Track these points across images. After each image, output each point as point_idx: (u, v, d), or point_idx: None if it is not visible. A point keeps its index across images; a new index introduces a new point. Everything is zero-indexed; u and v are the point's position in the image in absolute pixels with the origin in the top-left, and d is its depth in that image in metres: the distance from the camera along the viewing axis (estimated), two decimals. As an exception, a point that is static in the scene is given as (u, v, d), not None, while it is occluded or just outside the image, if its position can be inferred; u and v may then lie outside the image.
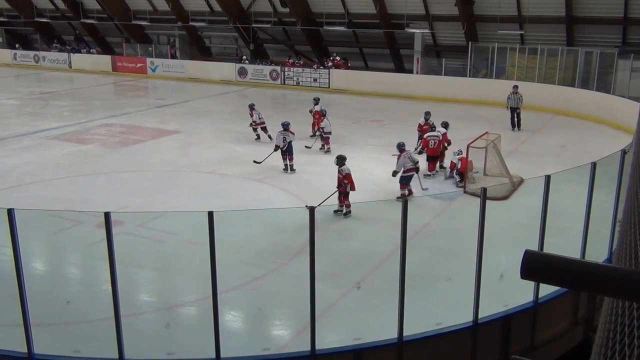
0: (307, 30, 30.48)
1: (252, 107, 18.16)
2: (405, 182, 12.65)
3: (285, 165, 14.91)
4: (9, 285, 6.65)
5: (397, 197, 12.07)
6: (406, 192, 12.59)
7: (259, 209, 11.34)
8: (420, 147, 15.42)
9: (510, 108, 19.95)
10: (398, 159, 12.82)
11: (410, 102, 24.74)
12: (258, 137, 18.06)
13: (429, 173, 14.35)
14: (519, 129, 19.64)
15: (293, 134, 15.16)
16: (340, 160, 11.81)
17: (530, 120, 21.48)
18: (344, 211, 11.55)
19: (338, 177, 11.75)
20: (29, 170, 14.82)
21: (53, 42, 39.48)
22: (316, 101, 18.78)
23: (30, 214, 8.95)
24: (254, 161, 15.18)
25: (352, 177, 11.63)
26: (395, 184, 12.75)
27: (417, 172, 12.84)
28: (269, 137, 17.48)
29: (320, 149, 16.68)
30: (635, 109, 15.91)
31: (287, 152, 14.89)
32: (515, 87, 20.14)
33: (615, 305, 2.17)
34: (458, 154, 13.89)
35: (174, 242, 10.39)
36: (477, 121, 20.31)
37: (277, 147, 14.90)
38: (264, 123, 17.99)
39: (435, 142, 14.39)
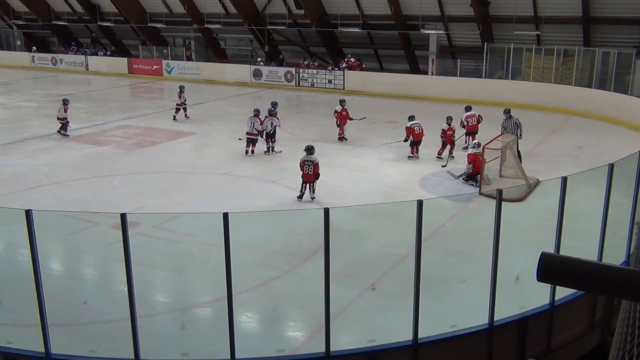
0: (321, 32, 30.50)
1: (181, 89, 21.72)
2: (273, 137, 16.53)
3: (268, 147, 16.59)
4: (26, 285, 6.73)
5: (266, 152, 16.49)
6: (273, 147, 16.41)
7: (273, 210, 11.37)
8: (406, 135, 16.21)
9: None
10: (263, 120, 16.48)
11: (426, 104, 24.66)
12: (174, 118, 21.46)
13: (412, 156, 16.03)
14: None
15: (278, 119, 16.78)
16: (311, 149, 12.95)
17: (546, 121, 21.36)
18: (314, 195, 12.80)
19: (309, 166, 12.69)
20: (47, 171, 14.98)
21: (70, 44, 39.89)
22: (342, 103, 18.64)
23: (47, 215, 9.03)
24: (240, 139, 16.73)
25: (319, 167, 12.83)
26: (406, 186, 12.72)
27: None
28: (174, 118, 21.49)
29: (266, 152, 16.58)
30: (653, 110, 15.76)
31: (271, 135, 16.59)
32: (507, 111, 16.49)
33: (633, 309, 2.14)
34: (476, 146, 13.87)
35: (189, 244, 10.44)
36: (493, 122, 20.16)
37: (262, 132, 16.58)
38: (184, 105, 21.63)
39: (419, 128, 15.98)
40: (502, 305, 7.40)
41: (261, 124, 16.52)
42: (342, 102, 18.60)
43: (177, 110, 21.67)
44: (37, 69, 37.81)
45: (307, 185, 12.73)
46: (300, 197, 12.69)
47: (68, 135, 18.90)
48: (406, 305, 7.11)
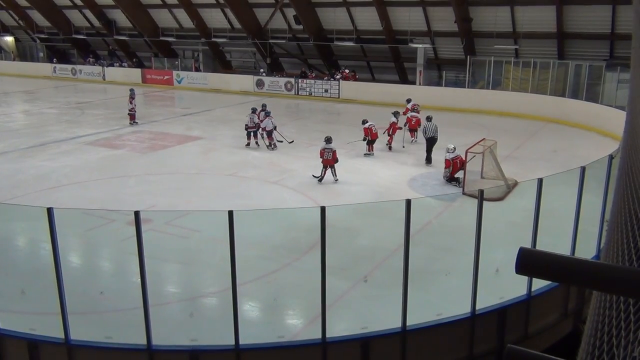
0: (318, 45, 30.52)
1: (132, 95, 21.87)
2: (269, 135, 17.53)
3: (269, 143, 17.51)
4: (48, 277, 6.71)
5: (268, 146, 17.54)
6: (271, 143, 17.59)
7: (275, 209, 11.36)
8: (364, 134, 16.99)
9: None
10: (264, 120, 17.58)
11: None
12: (134, 123, 21.90)
13: (368, 153, 16.73)
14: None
15: (273, 118, 17.77)
16: (329, 140, 14.23)
17: (524, 127, 21.40)
18: (337, 177, 14.05)
19: (329, 153, 13.93)
20: (67, 172, 14.94)
21: (89, 56, 39.81)
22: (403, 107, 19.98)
23: (67, 212, 9.01)
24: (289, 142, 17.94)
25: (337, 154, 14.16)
26: (396, 187, 12.72)
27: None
28: (130, 123, 21.57)
29: (268, 146, 17.63)
30: (621, 118, 15.72)
31: (269, 133, 17.46)
32: (430, 117, 16.72)
33: (603, 299, 2.14)
34: (451, 151, 13.84)
35: (197, 239, 10.42)
36: (475, 128, 20.22)
37: (265, 129, 17.55)
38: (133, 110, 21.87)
39: (375, 129, 16.72)
40: (483, 295, 7.40)
41: (258, 119, 17.77)
42: (395, 114, 18.39)
43: (132, 115, 21.91)
44: (58, 78, 37.73)
45: (326, 169, 13.93)
46: (320, 179, 13.92)
47: (137, 123, 21.39)
48: (395, 296, 7.10)
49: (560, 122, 21.89)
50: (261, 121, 17.76)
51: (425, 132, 16.26)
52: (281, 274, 9.04)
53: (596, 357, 1.73)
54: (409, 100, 20.62)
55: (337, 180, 13.95)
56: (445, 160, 13.96)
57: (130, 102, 21.73)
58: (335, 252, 8.22)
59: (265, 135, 17.70)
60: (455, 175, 13.72)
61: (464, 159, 13.56)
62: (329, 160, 13.95)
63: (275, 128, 17.65)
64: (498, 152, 14.28)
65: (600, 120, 20.19)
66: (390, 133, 17.54)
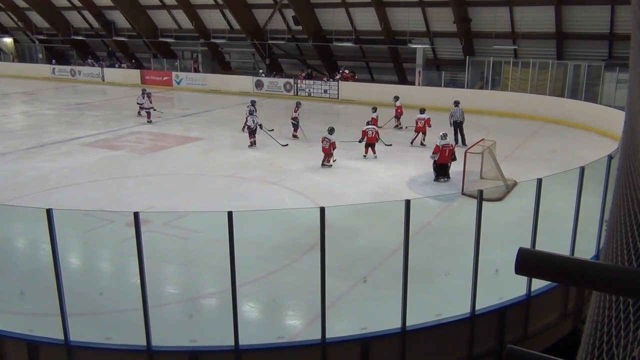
0: (318, 46, 30.51)
1: (149, 95, 22.88)
2: (251, 133, 18.00)
3: (251, 142, 18.00)
4: (47, 278, 6.70)
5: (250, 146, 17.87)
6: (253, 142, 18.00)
7: (274, 209, 11.36)
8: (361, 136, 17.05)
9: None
10: (248, 117, 18.16)
11: (413, 112, 24.57)
12: (139, 114, 23.16)
13: (365, 154, 16.62)
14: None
15: (257, 117, 18.25)
16: (331, 130, 15.48)
17: (523, 128, 21.41)
18: (330, 164, 15.39)
19: (326, 142, 15.22)
20: (66, 174, 14.93)
21: (88, 57, 39.79)
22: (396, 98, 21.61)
23: (66, 213, 9.00)
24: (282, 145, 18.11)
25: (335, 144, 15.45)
26: (395, 187, 12.73)
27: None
28: (149, 122, 22.18)
29: (250, 146, 18.00)
30: (620, 118, 15.75)
31: (254, 132, 17.99)
32: (457, 102, 18.70)
33: (603, 299, 2.14)
34: (443, 138, 14.12)
35: (196, 240, 10.41)
36: (474, 129, 20.20)
37: (249, 127, 18.04)
38: (150, 109, 22.48)
39: (373, 132, 16.61)
40: (482, 296, 7.41)
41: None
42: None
43: (149, 114, 22.55)
44: (57, 79, 37.69)
45: (326, 156, 15.25)
46: (322, 164, 15.34)
47: (151, 122, 21.97)
48: (395, 296, 7.10)
49: (559, 123, 21.90)
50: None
51: (452, 116, 17.82)
52: (281, 274, 9.04)
53: (596, 357, 1.73)
54: (397, 98, 21.39)
55: (330, 165, 15.26)
56: (435, 145, 14.15)
57: (150, 102, 22.64)
58: (334, 253, 8.21)
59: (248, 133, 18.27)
60: (448, 165, 13.96)
61: (453, 148, 14.12)
62: (325, 149, 15.21)
63: (260, 126, 18.01)
64: (497, 152, 14.27)
65: (599, 121, 20.20)
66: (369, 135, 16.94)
